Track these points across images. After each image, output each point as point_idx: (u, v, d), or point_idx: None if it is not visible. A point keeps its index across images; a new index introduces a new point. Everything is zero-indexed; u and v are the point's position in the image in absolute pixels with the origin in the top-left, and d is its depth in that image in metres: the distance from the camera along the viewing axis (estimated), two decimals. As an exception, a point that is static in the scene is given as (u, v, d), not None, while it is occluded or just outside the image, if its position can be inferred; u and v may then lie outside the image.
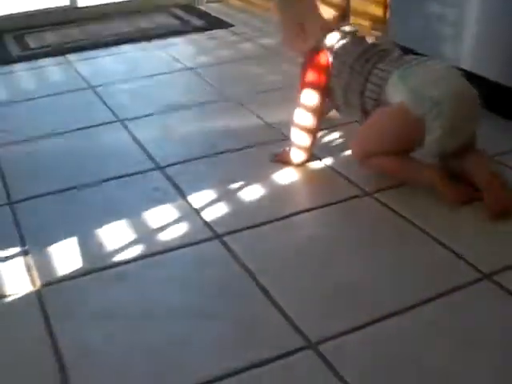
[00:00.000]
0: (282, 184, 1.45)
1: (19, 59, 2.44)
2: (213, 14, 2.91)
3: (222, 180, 1.47)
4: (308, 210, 1.34)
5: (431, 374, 0.92)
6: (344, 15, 1.51)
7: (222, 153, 1.59)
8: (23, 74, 2.29)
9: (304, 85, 1.48)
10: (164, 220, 1.32)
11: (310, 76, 1.47)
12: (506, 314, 1.02)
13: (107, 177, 1.50)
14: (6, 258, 1.23)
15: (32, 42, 2.66)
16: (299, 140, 1.50)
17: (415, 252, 1.19)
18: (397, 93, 1.35)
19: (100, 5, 3.13)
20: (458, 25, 1.76)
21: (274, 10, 1.55)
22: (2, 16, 2.95)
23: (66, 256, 1.22)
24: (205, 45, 2.50)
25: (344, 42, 1.46)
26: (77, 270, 1.18)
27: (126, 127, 1.77)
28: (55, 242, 1.27)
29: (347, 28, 1.49)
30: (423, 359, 0.94)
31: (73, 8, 3.08)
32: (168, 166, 1.54)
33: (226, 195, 1.41)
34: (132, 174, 1.51)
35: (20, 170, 1.58)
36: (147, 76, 2.17)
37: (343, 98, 1.47)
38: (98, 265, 1.20)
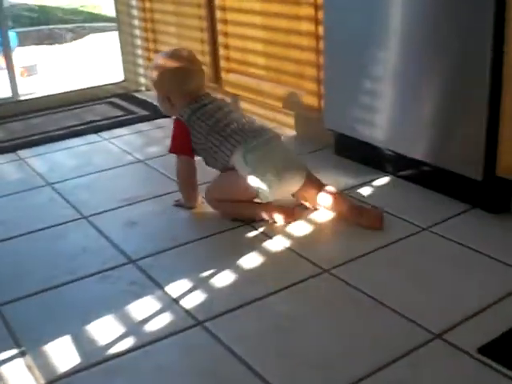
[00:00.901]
0: (247, 268, 1.60)
1: (-32, 157, 2.53)
2: (154, 102, 3.08)
3: (193, 269, 1.61)
4: (276, 292, 1.50)
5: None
6: (202, 84, 1.93)
7: (187, 243, 1.74)
8: (-24, 174, 2.38)
9: (174, 149, 1.89)
10: (146, 312, 1.44)
11: (174, 141, 1.89)
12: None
13: (84, 274, 1.61)
14: (6, 361, 1.31)
15: (-22, 139, 2.75)
16: (183, 193, 1.94)
17: (370, 320, 1.37)
18: (240, 166, 1.77)
19: (41, 97, 3.26)
20: (385, 112, 2.02)
21: (151, 86, 2.00)
22: None
23: (62, 353, 1.32)
24: (152, 135, 2.67)
25: (200, 112, 1.85)
26: (74, 367, 1.28)
27: (91, 223, 1.89)
28: (49, 340, 1.36)
29: (206, 100, 1.89)
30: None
31: (15, 101, 3.20)
32: (140, 259, 1.67)
33: (200, 283, 1.55)
34: (107, 270, 1.63)
35: (-3, 273, 1.66)
36: (101, 170, 2.30)
37: (204, 159, 1.89)
38: (92, 360, 1.30)
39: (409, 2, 1.85)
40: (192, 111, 1.86)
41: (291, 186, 1.84)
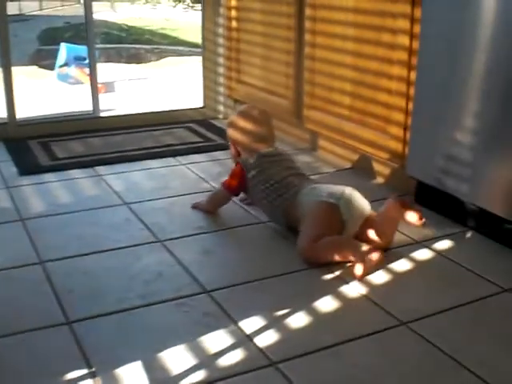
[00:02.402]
0: (322, 311, 1.56)
1: (49, 169, 2.58)
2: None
3: (268, 306, 1.58)
4: (351, 340, 1.45)
5: None
6: (266, 140, 2.14)
7: (262, 279, 1.72)
8: (56, 186, 2.42)
9: (225, 182, 2.13)
10: (219, 346, 1.42)
11: (228, 179, 2.12)
12: None
13: (158, 300, 1.60)
14: (76, 380, 1.31)
15: (59, 151, 2.81)
16: (207, 202, 2.17)
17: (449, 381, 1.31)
18: (310, 198, 1.91)
19: (122, 115, 3.34)
20: (471, 165, 1.96)
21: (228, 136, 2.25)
22: (26, 120, 3.14)
23: (132, 379, 1.30)
24: (229, 164, 2.66)
25: (259, 162, 2.06)
26: (145, 396, 1.27)
27: (166, 248, 1.89)
28: (120, 364, 1.35)
29: (263, 151, 2.09)
30: None
31: (95, 117, 3.28)
32: (214, 290, 1.65)
33: (275, 321, 1.52)
34: (180, 298, 1.61)
35: (72, 288, 1.66)
36: (178, 195, 2.32)
37: (265, 207, 2.05)
38: (163, 390, 1.28)
39: (500, 53, 1.80)
40: (256, 157, 2.08)
41: (364, 206, 1.92)
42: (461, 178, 2.01)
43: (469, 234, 2.00)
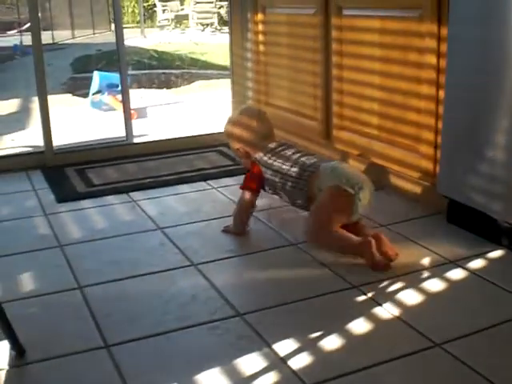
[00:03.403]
0: (355, 333, 1.57)
1: (86, 196, 2.65)
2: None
3: (301, 329, 1.59)
4: (385, 362, 1.45)
5: None
6: (267, 137, 2.27)
7: (295, 302, 1.73)
8: (92, 212, 2.48)
9: (244, 185, 2.23)
10: (253, 368, 1.44)
11: (246, 183, 2.23)
12: None
13: (193, 323, 1.63)
14: (115, 405, 1.35)
15: (95, 177, 2.88)
16: (236, 219, 2.22)
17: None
18: (329, 179, 2.01)
19: (154, 141, 3.41)
20: (503, 182, 1.95)
21: (228, 141, 2.38)
22: (62, 148, 3.22)
23: (169, 404, 1.33)
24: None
25: (269, 155, 2.20)
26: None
27: (200, 271, 1.92)
28: (158, 389, 1.38)
29: (271, 145, 2.24)
30: None
31: (128, 144, 3.35)
32: (248, 313, 1.67)
33: (308, 344, 1.53)
34: (214, 321, 1.64)
35: (109, 312, 1.70)
36: (210, 218, 2.36)
37: (282, 191, 2.17)
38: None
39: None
40: (266, 152, 2.22)
41: (369, 200, 2.04)
42: (493, 195, 2.00)
43: (502, 252, 1.99)
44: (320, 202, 2.01)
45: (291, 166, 2.13)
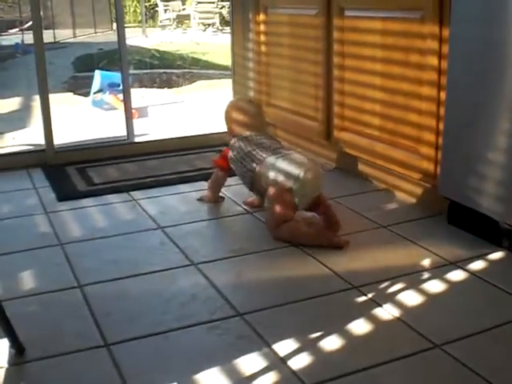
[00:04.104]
0: (355, 334, 1.57)
1: (86, 194, 2.65)
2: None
3: (301, 329, 1.59)
4: (385, 363, 1.45)
5: None
6: (256, 129, 2.43)
7: (295, 302, 1.73)
8: (93, 211, 2.48)
9: (215, 163, 2.50)
10: (253, 368, 1.44)
11: (218, 159, 2.49)
12: None
13: (192, 322, 1.63)
14: (114, 404, 1.34)
15: (95, 176, 2.88)
16: (210, 191, 2.52)
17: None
18: (270, 174, 2.19)
19: (155, 140, 3.41)
20: (503, 184, 1.95)
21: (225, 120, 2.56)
22: (63, 147, 3.22)
23: (169, 403, 1.33)
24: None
25: (240, 142, 2.36)
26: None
27: (200, 271, 1.92)
28: (157, 388, 1.38)
29: (246, 133, 2.40)
30: None
31: (129, 143, 3.35)
32: (248, 313, 1.67)
33: (308, 344, 1.53)
34: (214, 321, 1.64)
35: (109, 311, 1.70)
36: (211, 218, 2.37)
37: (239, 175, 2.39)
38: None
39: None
40: (238, 139, 2.40)
41: (317, 185, 2.21)
42: (494, 197, 2.00)
43: (502, 254, 1.99)
44: (269, 200, 2.20)
45: (246, 155, 2.31)
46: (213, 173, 2.52)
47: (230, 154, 2.39)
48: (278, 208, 2.14)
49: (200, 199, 2.52)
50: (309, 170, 2.16)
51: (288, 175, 2.14)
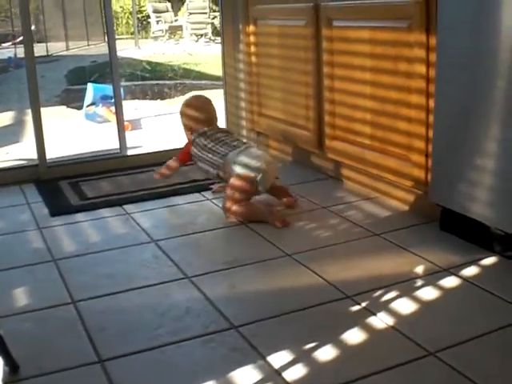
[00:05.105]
0: (350, 344, 1.57)
1: (79, 209, 2.65)
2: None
3: (295, 340, 1.59)
4: (379, 372, 1.45)
5: None
6: (206, 122, 2.73)
7: (289, 313, 1.73)
8: (86, 225, 2.48)
9: (177, 156, 2.75)
10: (248, 381, 1.44)
11: (180, 154, 2.74)
12: None
13: (187, 336, 1.63)
14: (109, 420, 1.34)
15: (88, 190, 2.89)
16: (166, 167, 2.76)
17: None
18: (233, 167, 2.48)
19: (148, 153, 3.41)
20: (494, 189, 1.96)
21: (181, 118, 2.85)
22: (56, 162, 3.23)
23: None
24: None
25: (201, 140, 2.65)
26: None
27: (194, 284, 1.92)
28: (151, 403, 1.38)
29: (203, 129, 2.68)
30: None
31: (122, 156, 3.36)
32: (242, 325, 1.67)
33: (303, 355, 1.53)
34: (209, 334, 1.64)
35: (104, 326, 1.70)
36: (204, 230, 2.36)
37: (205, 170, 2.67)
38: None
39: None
40: (198, 135, 2.68)
41: (275, 172, 2.55)
42: (485, 203, 2.01)
43: (495, 259, 1.99)
44: (229, 187, 2.49)
45: (212, 151, 2.59)
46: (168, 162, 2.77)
47: (194, 150, 2.65)
48: (232, 192, 2.45)
49: (157, 177, 2.80)
50: (266, 161, 2.50)
51: (250, 168, 2.46)
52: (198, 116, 2.76)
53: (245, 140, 3.06)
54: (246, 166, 2.48)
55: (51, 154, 3.20)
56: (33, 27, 3.07)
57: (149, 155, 3.38)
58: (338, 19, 2.64)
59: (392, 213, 2.45)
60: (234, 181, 2.49)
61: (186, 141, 2.79)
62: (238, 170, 2.48)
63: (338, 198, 2.65)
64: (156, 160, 3.28)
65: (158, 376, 1.48)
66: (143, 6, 16.79)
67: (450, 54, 2.05)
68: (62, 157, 3.40)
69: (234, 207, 2.44)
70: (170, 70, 9.34)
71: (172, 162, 2.75)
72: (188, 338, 1.62)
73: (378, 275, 1.93)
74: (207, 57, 10.28)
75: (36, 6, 12.27)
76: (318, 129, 2.88)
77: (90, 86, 5.33)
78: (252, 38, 3.32)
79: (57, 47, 12.25)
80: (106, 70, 6.97)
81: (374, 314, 1.70)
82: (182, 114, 2.84)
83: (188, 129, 2.78)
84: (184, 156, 2.73)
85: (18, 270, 2.09)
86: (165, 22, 14.79)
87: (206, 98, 2.87)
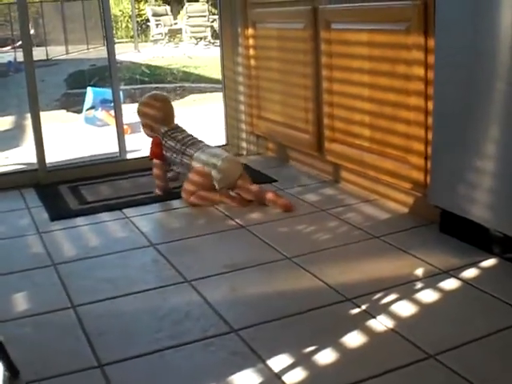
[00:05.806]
0: (350, 347, 1.57)
1: (79, 213, 2.65)
2: (255, 168, 3.16)
3: (295, 343, 1.59)
4: (379, 375, 1.45)
5: None
6: (164, 120, 2.87)
7: (289, 316, 1.73)
8: (86, 230, 2.48)
9: (151, 155, 2.87)
10: (248, 385, 1.44)
11: (152, 150, 2.85)
12: None
13: (187, 340, 1.63)
14: (109, 425, 1.34)
15: (88, 195, 2.89)
16: (157, 180, 2.87)
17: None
18: (198, 164, 2.70)
19: (147, 157, 3.38)
20: (493, 191, 1.96)
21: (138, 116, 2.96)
22: (55, 166, 3.23)
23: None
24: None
25: (167, 136, 2.82)
26: None
27: (194, 288, 1.92)
28: (151, 408, 1.38)
29: (163, 129, 2.84)
30: None
31: (121, 160, 3.36)
32: (242, 328, 1.67)
33: (303, 359, 1.53)
34: (209, 338, 1.64)
35: (103, 331, 1.70)
36: (204, 234, 2.35)
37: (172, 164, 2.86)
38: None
39: (526, 83, 1.82)
40: (164, 131, 2.83)
41: (236, 171, 2.70)
42: (484, 204, 2.01)
43: (494, 261, 1.99)
44: (188, 178, 2.69)
45: (179, 151, 2.76)
46: (154, 165, 2.86)
47: (165, 153, 2.81)
48: (193, 183, 2.68)
49: (155, 192, 2.84)
50: (224, 159, 2.67)
51: (208, 164, 2.66)
52: (156, 114, 2.85)
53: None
54: (204, 162, 2.66)
55: (51, 158, 3.21)
56: (32, 31, 3.10)
57: (147, 159, 3.36)
58: (337, 22, 2.64)
59: (391, 215, 2.45)
60: (190, 175, 2.68)
61: (149, 137, 2.91)
62: (198, 166, 2.68)
63: (337, 200, 2.65)
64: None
65: (158, 380, 1.48)
66: (142, 10, 16.83)
67: (448, 55, 2.05)
68: (62, 161, 3.40)
69: (191, 198, 2.66)
70: (170, 73, 9.35)
71: (156, 170, 2.84)
72: (188, 342, 1.62)
73: (377, 278, 1.93)
74: (207, 60, 10.29)
75: (35, 10, 12.30)
76: (317, 131, 2.89)
77: (89, 90, 5.34)
78: (251, 41, 3.32)
79: (56, 51, 12.27)
80: (105, 73, 6.98)
81: (374, 317, 1.70)
82: (140, 112, 2.90)
83: (147, 127, 2.88)
84: (156, 149, 2.81)
85: (18, 274, 2.09)
86: (164, 26, 14.82)
87: (164, 96, 2.97)
